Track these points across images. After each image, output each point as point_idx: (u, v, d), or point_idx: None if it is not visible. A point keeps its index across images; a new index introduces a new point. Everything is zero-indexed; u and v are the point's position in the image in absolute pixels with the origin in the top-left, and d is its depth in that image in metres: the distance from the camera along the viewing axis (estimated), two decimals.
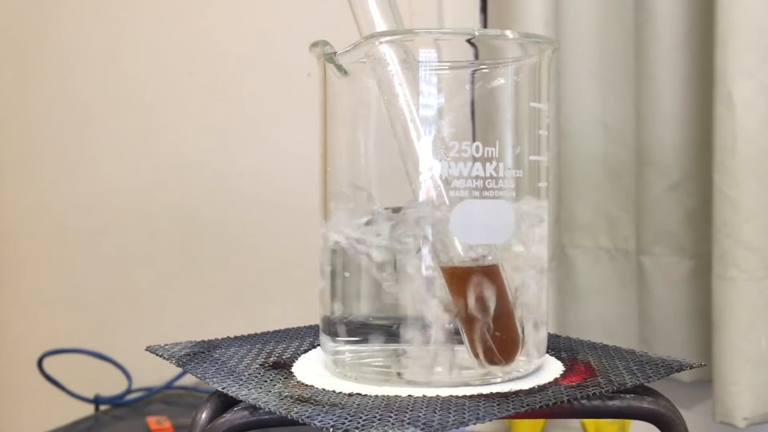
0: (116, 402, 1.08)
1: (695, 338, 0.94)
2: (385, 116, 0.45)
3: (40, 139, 1.21)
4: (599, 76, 0.99)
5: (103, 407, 1.08)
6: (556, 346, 0.52)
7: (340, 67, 0.46)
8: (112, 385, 1.07)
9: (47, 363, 1.07)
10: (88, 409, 1.07)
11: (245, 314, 1.12)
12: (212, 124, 1.16)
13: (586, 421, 0.88)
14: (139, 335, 1.17)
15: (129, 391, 1.08)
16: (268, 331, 0.54)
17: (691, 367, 0.46)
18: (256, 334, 0.53)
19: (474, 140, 0.44)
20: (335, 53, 0.45)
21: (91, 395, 1.07)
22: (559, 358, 0.49)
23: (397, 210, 0.45)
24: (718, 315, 0.85)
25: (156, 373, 1.05)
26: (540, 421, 0.92)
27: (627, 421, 0.87)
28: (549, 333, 0.54)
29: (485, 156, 0.44)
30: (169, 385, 1.09)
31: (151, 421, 0.97)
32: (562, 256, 0.99)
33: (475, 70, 0.46)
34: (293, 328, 0.55)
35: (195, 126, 1.17)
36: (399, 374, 0.44)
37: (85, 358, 1.08)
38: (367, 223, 0.45)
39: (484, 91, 0.46)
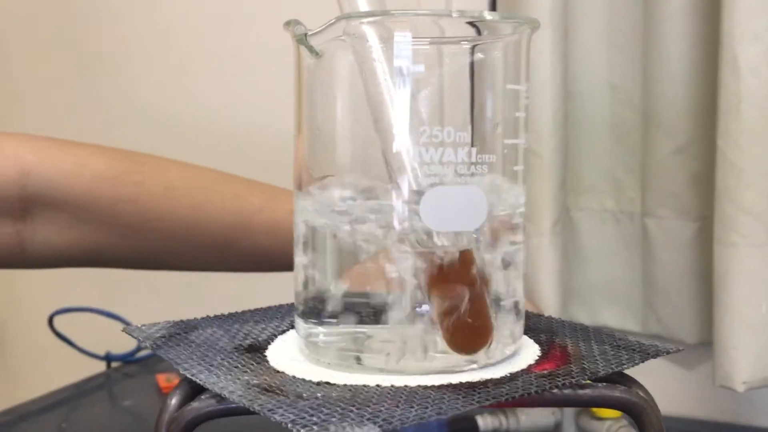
0: (127, 359, 1.09)
1: (698, 300, 0.93)
2: (360, 98, 0.44)
3: (38, 107, 1.22)
4: (607, 37, 0.97)
5: (114, 364, 1.09)
6: (537, 326, 0.51)
7: (311, 49, 0.45)
8: (122, 343, 1.09)
9: (58, 321, 1.09)
10: (100, 366, 1.09)
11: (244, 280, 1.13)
12: (204, 112, 1.17)
13: None
14: (149, 295, 1.18)
15: (139, 348, 1.09)
16: (249, 310, 0.54)
17: (668, 353, 0.46)
18: (236, 313, 0.53)
19: (447, 124, 0.43)
20: (306, 34, 0.44)
21: (101, 353, 1.09)
22: (537, 340, 0.49)
23: (369, 193, 0.44)
24: (719, 280, 0.84)
25: None
26: None
27: None
28: (533, 313, 0.54)
29: (457, 141, 0.43)
30: None
31: (161, 378, 0.99)
32: (567, 219, 0.98)
33: (453, 53, 0.45)
34: (275, 306, 0.55)
35: (186, 109, 1.17)
36: (366, 360, 0.43)
37: (95, 317, 1.10)
38: (339, 205, 0.44)
39: (460, 74, 0.45)
